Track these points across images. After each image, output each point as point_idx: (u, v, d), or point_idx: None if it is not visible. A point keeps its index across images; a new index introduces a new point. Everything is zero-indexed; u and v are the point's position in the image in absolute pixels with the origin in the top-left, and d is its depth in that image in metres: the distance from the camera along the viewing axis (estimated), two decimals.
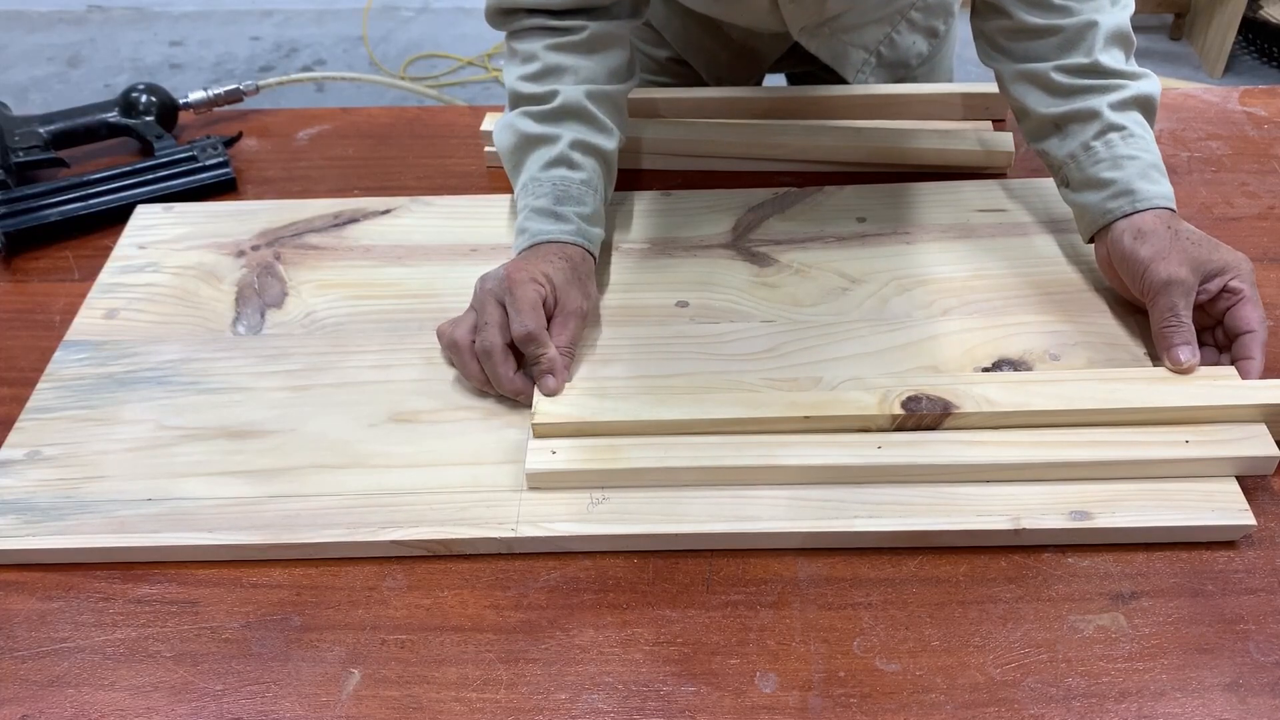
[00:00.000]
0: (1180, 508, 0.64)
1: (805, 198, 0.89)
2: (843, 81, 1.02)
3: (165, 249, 0.86)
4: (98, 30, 3.03)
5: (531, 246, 0.75)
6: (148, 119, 0.99)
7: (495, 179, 0.95)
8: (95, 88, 2.73)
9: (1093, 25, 0.76)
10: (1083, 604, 0.61)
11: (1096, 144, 0.75)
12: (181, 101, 1.02)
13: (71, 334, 0.79)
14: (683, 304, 0.79)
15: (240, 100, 1.04)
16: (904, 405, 0.66)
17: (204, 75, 2.80)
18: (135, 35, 2.99)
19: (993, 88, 0.98)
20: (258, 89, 1.04)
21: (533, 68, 0.80)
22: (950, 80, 1.11)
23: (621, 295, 0.80)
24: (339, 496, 0.66)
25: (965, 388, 0.67)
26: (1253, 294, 0.69)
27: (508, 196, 0.91)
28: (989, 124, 0.97)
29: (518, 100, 0.80)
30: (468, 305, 0.73)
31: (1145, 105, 0.77)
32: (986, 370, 0.73)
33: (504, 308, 0.70)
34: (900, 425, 0.67)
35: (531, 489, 0.66)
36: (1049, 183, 0.89)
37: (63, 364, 0.76)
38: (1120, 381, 0.68)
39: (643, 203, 0.89)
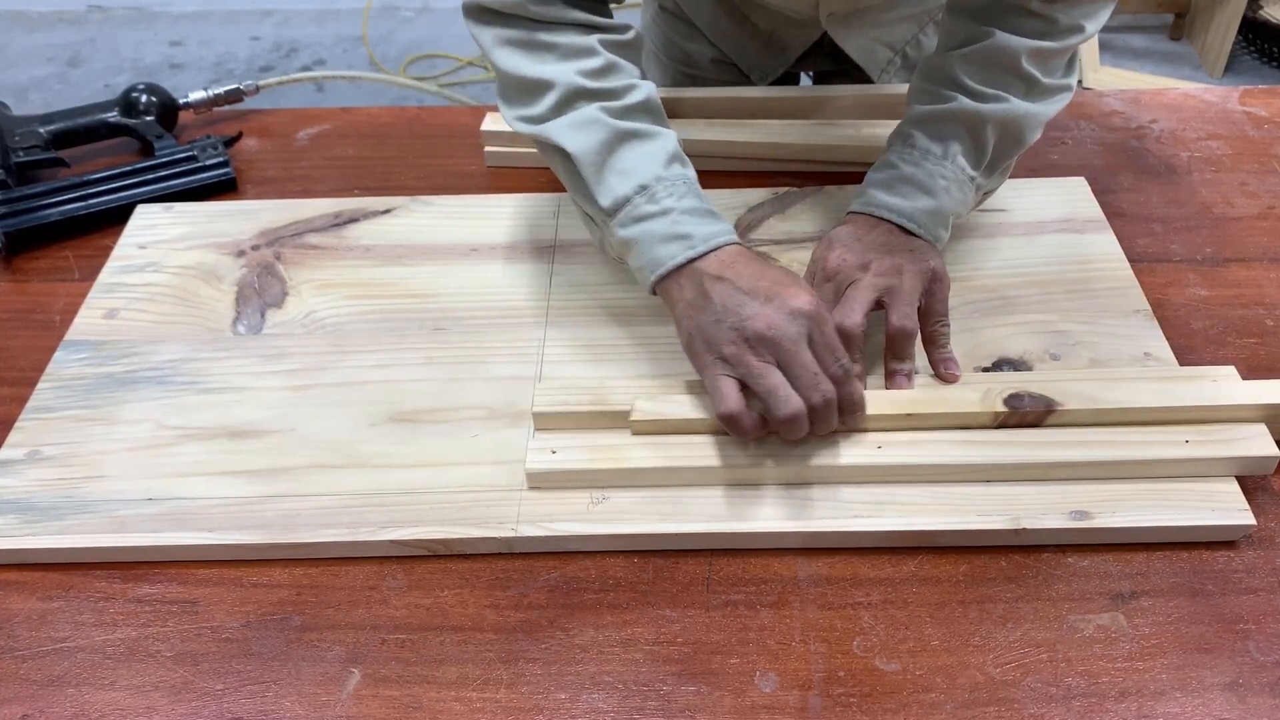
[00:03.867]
0: (1180, 508, 0.64)
1: (805, 198, 0.89)
2: (866, 81, 1.01)
3: (165, 249, 0.86)
4: (98, 30, 3.03)
5: (709, 253, 0.66)
6: (148, 119, 0.99)
7: (495, 179, 0.95)
8: (95, 88, 2.73)
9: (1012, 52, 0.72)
10: (1083, 604, 0.61)
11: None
12: (181, 101, 1.02)
13: (71, 334, 0.79)
14: None
15: (240, 100, 1.04)
16: (1006, 402, 0.66)
17: (204, 75, 2.80)
18: (135, 35, 2.99)
19: None
20: (258, 89, 1.04)
21: (596, 62, 0.71)
22: None
23: (621, 295, 0.80)
24: (339, 496, 0.66)
25: (1065, 385, 0.67)
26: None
27: (508, 196, 0.91)
28: None
29: (583, 95, 0.70)
30: (711, 366, 0.63)
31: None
32: (986, 370, 0.73)
33: (811, 344, 0.62)
34: (1003, 423, 0.66)
35: (531, 489, 0.66)
36: (1049, 183, 0.90)
37: (63, 364, 0.76)
38: (1124, 381, 0.68)
39: None
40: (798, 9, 0.95)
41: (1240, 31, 2.58)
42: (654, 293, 0.68)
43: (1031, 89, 0.73)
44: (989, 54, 0.72)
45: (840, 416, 0.64)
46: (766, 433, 0.64)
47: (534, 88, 0.71)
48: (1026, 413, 0.66)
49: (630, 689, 0.57)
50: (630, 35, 0.75)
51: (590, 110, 0.69)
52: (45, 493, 0.67)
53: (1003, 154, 0.74)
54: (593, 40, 0.72)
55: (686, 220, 0.66)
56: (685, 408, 0.67)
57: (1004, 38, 0.71)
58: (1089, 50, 2.56)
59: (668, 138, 0.71)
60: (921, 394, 0.68)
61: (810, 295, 0.63)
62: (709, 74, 1.09)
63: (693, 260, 0.65)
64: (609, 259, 0.77)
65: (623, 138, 0.69)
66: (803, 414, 0.61)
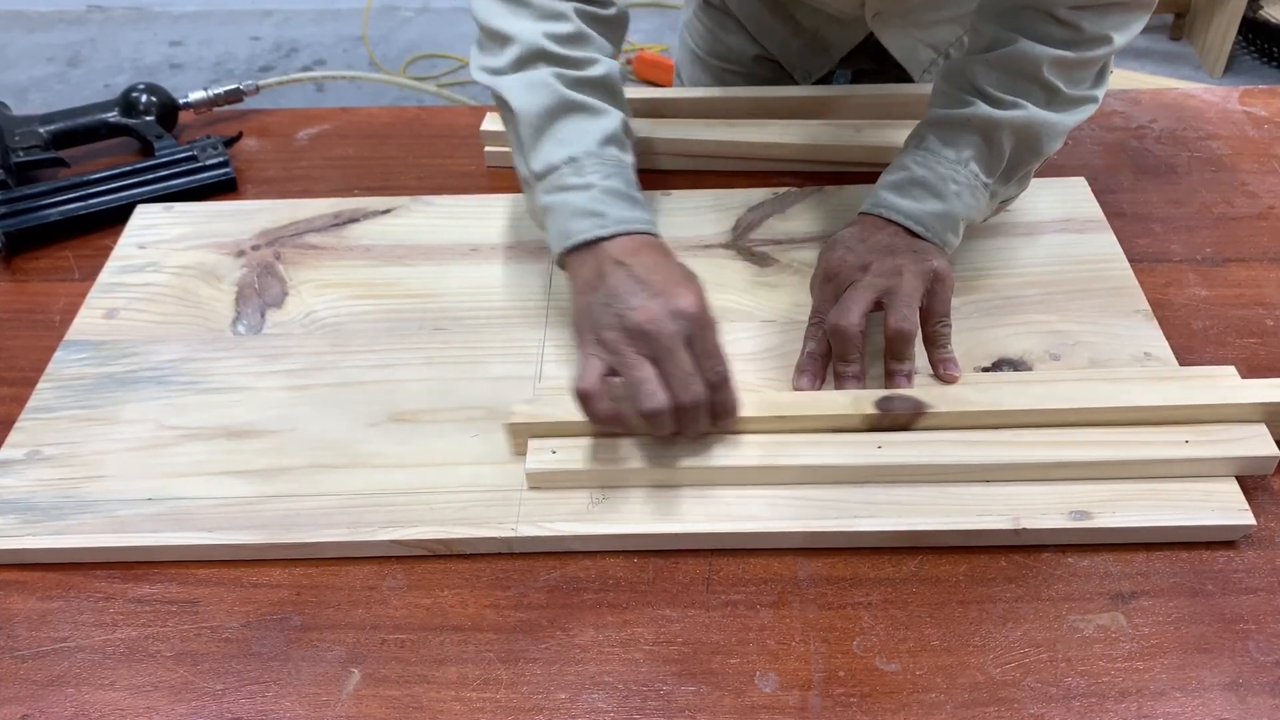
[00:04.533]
0: (1180, 507, 0.64)
1: (805, 198, 0.89)
2: (907, 81, 1.01)
3: (165, 249, 0.86)
4: (98, 30, 3.03)
5: (619, 236, 0.66)
6: (148, 119, 0.99)
7: (495, 179, 0.95)
8: (95, 88, 2.73)
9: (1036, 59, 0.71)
10: (1083, 604, 0.61)
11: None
12: (181, 101, 1.02)
13: (71, 334, 0.79)
14: None
15: (240, 100, 1.04)
16: (877, 405, 0.66)
17: (204, 75, 2.80)
18: (135, 35, 2.99)
19: None
20: (258, 89, 1.04)
21: (565, 28, 0.71)
22: None
23: None
24: (339, 496, 0.66)
25: (942, 388, 0.68)
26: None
27: (508, 196, 0.91)
28: None
29: (542, 57, 0.70)
30: (586, 343, 0.63)
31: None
32: (986, 370, 0.73)
33: (690, 345, 0.63)
34: (874, 426, 0.66)
35: (531, 489, 0.66)
36: (1049, 183, 0.90)
37: (63, 364, 0.76)
38: (1108, 382, 0.68)
39: None
40: (843, 8, 0.95)
41: (1240, 31, 2.58)
42: (560, 265, 0.69)
43: (1053, 98, 0.72)
44: (1011, 60, 0.71)
45: (714, 421, 0.64)
46: (616, 419, 0.63)
47: (500, 40, 0.72)
48: (897, 415, 0.66)
49: (630, 689, 0.57)
50: (611, 11, 0.75)
51: (545, 74, 0.70)
52: (45, 493, 0.67)
53: (1020, 161, 0.74)
54: (568, 6, 0.72)
55: (605, 200, 0.67)
56: (565, 409, 0.66)
57: (1027, 45, 0.70)
58: None
59: (613, 118, 0.71)
60: (795, 396, 0.68)
61: (698, 298, 0.64)
62: (751, 71, 1.08)
63: (601, 240, 0.66)
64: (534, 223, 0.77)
65: (569, 108, 0.69)
66: (665, 410, 0.61)
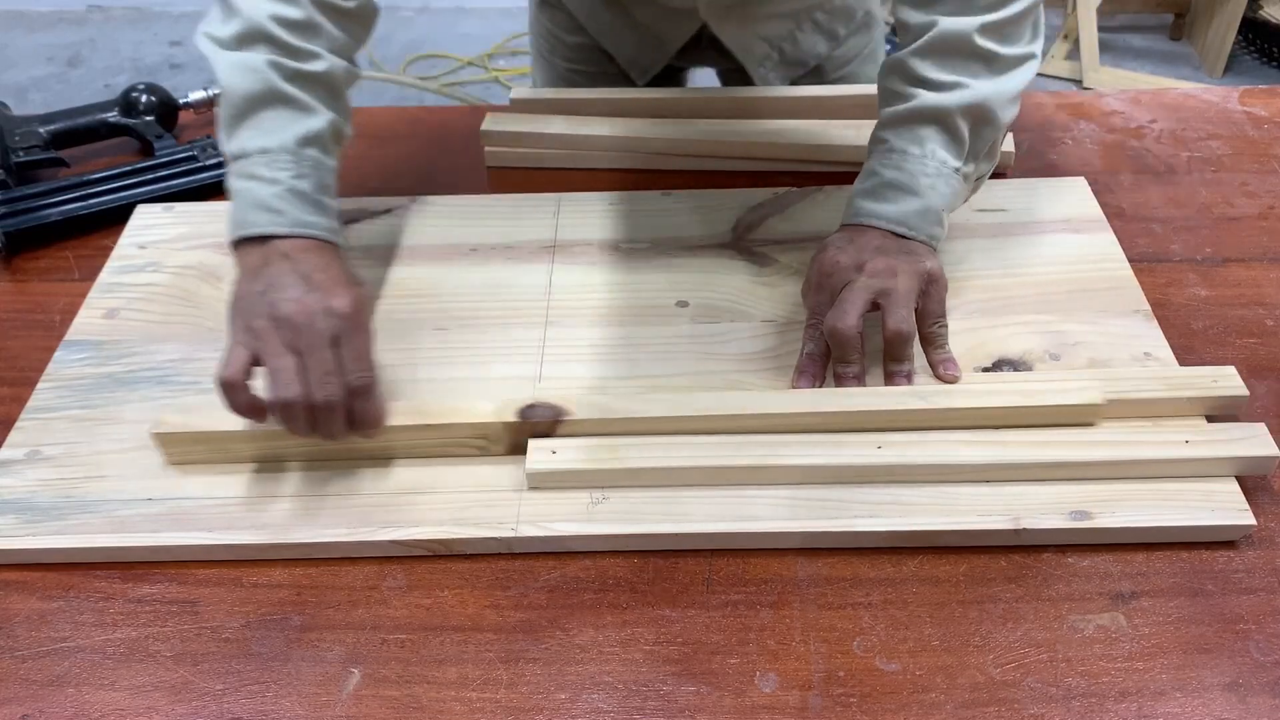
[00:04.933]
0: (1180, 508, 0.64)
1: (805, 198, 0.89)
2: (749, 79, 1.02)
3: (165, 249, 0.86)
4: (98, 30, 3.02)
5: (292, 237, 0.66)
6: (148, 119, 0.99)
7: (496, 179, 0.95)
8: (95, 88, 2.73)
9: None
10: (1083, 604, 0.61)
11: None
12: (181, 101, 1.02)
13: (71, 334, 0.79)
14: (683, 304, 0.79)
15: None
16: (520, 413, 0.66)
17: (204, 75, 2.76)
18: (135, 35, 2.99)
19: None
20: None
21: (294, 13, 0.69)
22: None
23: (621, 295, 0.80)
24: (339, 496, 0.66)
25: (587, 395, 0.68)
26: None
27: (508, 196, 0.91)
28: None
29: (264, 39, 0.68)
30: (271, 328, 0.63)
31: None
32: (986, 370, 0.73)
33: (337, 345, 0.63)
34: (518, 433, 0.67)
35: (531, 489, 0.66)
36: (1049, 182, 0.90)
37: (63, 364, 0.76)
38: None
39: (643, 203, 0.89)
40: (675, 1, 0.95)
41: (1240, 31, 2.58)
42: (233, 250, 0.68)
43: (993, 64, 0.71)
44: (941, 42, 0.71)
45: (355, 428, 0.65)
46: (255, 412, 0.63)
47: (228, 10, 0.70)
48: (538, 423, 0.66)
49: (630, 689, 0.57)
50: (354, 5, 0.72)
51: (260, 58, 0.68)
52: (45, 493, 0.67)
53: (981, 138, 0.73)
54: None
55: (288, 199, 0.67)
56: (217, 419, 0.66)
57: (950, 21, 0.70)
58: (1089, 50, 2.56)
59: (322, 119, 0.69)
60: (443, 405, 0.68)
61: (355, 301, 0.64)
62: (590, 69, 1.08)
63: (274, 236, 0.66)
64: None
65: (276, 98, 0.68)
66: (297, 403, 0.62)
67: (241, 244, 0.67)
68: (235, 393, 0.63)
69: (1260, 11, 2.58)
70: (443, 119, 1.04)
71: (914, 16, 0.73)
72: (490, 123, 0.95)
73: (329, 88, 0.71)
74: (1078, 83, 2.59)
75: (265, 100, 0.68)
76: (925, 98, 0.71)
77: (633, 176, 0.94)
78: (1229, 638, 0.59)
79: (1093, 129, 0.99)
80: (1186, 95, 1.04)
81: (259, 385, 0.63)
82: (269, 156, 0.67)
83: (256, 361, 0.63)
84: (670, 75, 1.09)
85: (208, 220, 0.89)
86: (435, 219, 0.88)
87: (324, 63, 0.70)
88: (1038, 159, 0.95)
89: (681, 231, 0.86)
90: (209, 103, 1.02)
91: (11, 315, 0.83)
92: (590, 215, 0.88)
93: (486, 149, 0.96)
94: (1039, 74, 2.94)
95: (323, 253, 0.67)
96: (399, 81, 1.31)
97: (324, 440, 0.65)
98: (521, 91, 0.98)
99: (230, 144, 0.69)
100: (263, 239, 0.66)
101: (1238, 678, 0.57)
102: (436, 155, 0.98)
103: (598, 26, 1.05)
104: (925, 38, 0.71)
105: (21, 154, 0.94)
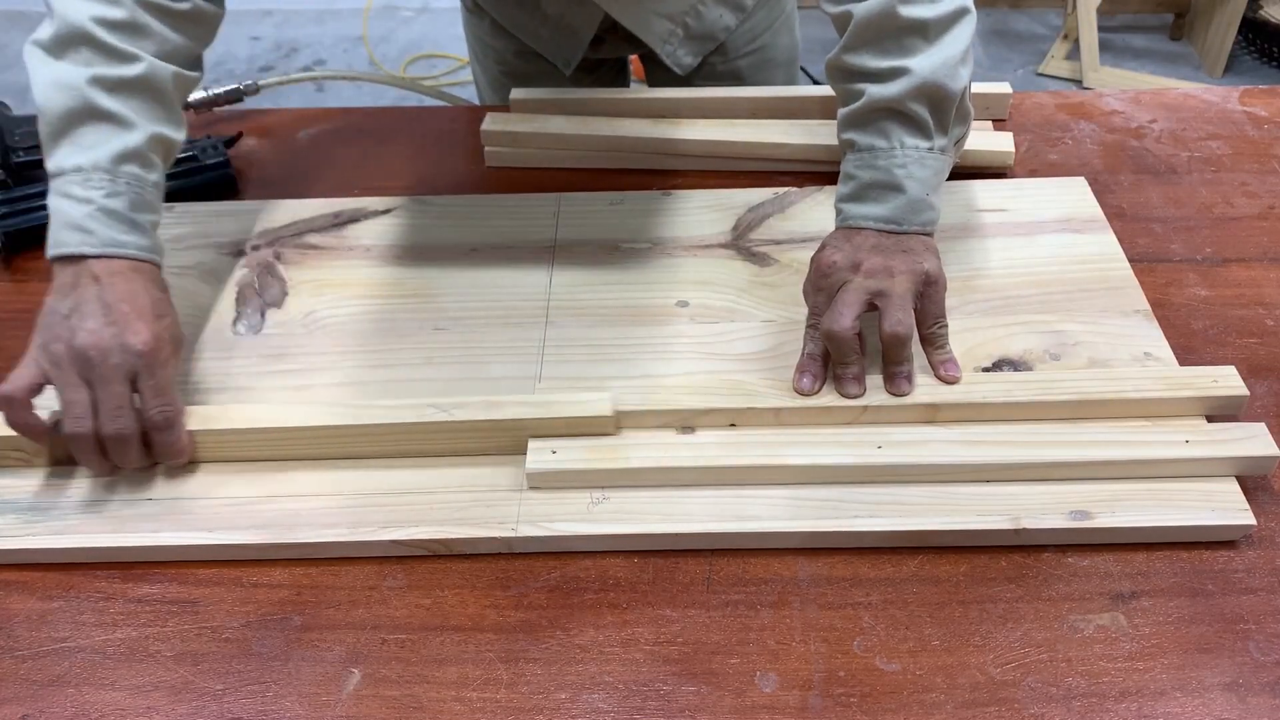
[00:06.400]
0: (1180, 507, 0.64)
1: (805, 198, 0.89)
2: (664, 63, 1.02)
3: (165, 249, 0.86)
4: None
5: (105, 257, 0.66)
6: None
7: (496, 179, 0.95)
8: None
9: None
10: (1083, 604, 0.61)
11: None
12: None
13: None
14: (683, 304, 0.79)
15: (240, 100, 1.03)
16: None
17: (204, 75, 2.80)
18: None
19: (992, 88, 0.98)
20: (258, 89, 1.04)
21: (116, 13, 0.67)
22: (794, 65, 1.14)
23: (621, 295, 0.80)
24: (339, 496, 0.66)
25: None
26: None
27: (508, 196, 0.91)
28: (989, 124, 0.97)
29: (84, 40, 0.67)
30: (32, 352, 0.64)
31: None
32: (987, 370, 0.73)
33: (133, 381, 0.64)
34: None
35: (531, 489, 0.66)
36: (1049, 183, 0.90)
37: None
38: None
39: (643, 203, 0.89)
40: None
41: (1240, 31, 2.58)
42: (52, 264, 0.67)
43: (928, 32, 0.69)
44: (865, 28, 0.70)
45: (159, 457, 0.66)
46: (32, 433, 0.64)
47: (49, 11, 0.68)
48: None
49: (630, 689, 0.57)
50: (186, 6, 0.71)
51: (77, 72, 0.67)
52: (45, 493, 0.67)
53: (943, 110, 0.71)
54: None
55: (99, 219, 0.66)
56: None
57: (865, 5, 0.69)
58: (1089, 50, 2.56)
59: (139, 133, 0.68)
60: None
61: (153, 337, 0.64)
62: (520, 68, 1.09)
63: (85, 257, 0.65)
64: None
65: (92, 115, 0.67)
66: (87, 437, 0.63)
67: (57, 261, 0.67)
68: (13, 409, 0.64)
69: (1260, 11, 2.58)
70: (443, 119, 1.04)
71: (831, 8, 0.73)
72: (490, 123, 0.95)
73: (153, 93, 0.69)
74: (1078, 83, 2.60)
75: (81, 117, 0.67)
76: (873, 92, 0.70)
77: (633, 176, 0.94)
78: (1229, 638, 0.59)
79: (1093, 129, 0.99)
80: (1186, 95, 1.04)
81: (45, 402, 0.65)
82: (83, 175, 0.66)
83: (47, 380, 0.64)
84: (602, 67, 1.10)
85: (208, 220, 0.89)
86: (435, 219, 0.89)
87: (143, 65, 0.68)
88: (1038, 159, 0.95)
89: (681, 231, 0.86)
90: (209, 103, 1.02)
91: (11, 315, 0.83)
92: (590, 215, 0.88)
93: (486, 149, 0.96)
94: (1039, 74, 2.92)
95: (133, 279, 0.66)
96: (399, 82, 1.31)
97: (122, 469, 0.66)
98: (521, 91, 0.98)
99: (49, 162, 0.68)
100: (76, 258, 0.66)
101: (1238, 678, 0.57)
102: (436, 155, 0.98)
103: (515, 24, 1.06)
104: (851, 28, 0.71)
105: (21, 154, 0.94)
